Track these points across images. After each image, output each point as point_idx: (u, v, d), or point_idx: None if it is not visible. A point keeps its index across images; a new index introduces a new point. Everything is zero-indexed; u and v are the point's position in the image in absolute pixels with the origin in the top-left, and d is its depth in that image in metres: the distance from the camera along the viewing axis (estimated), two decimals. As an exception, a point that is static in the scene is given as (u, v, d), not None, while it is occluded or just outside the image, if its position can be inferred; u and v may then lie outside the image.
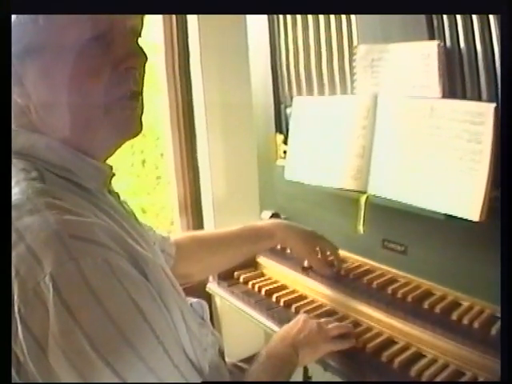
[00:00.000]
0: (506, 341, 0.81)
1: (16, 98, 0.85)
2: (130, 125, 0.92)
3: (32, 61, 0.83)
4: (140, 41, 0.92)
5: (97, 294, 0.71)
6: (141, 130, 0.94)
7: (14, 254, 0.73)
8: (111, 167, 0.99)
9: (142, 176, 3.06)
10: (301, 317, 1.29)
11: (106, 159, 0.97)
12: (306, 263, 1.61)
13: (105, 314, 0.71)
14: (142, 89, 0.92)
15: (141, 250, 0.84)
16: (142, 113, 0.93)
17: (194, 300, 1.07)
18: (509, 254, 0.85)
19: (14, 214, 0.76)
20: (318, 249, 1.58)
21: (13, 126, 0.88)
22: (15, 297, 0.71)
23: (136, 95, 0.91)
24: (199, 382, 0.85)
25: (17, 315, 0.71)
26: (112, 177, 1.00)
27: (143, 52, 0.90)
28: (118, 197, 1.03)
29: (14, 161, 0.85)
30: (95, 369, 0.70)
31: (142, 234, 0.99)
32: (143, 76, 0.92)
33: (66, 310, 0.70)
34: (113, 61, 0.86)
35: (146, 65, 0.92)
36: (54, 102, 0.85)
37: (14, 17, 0.80)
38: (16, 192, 0.80)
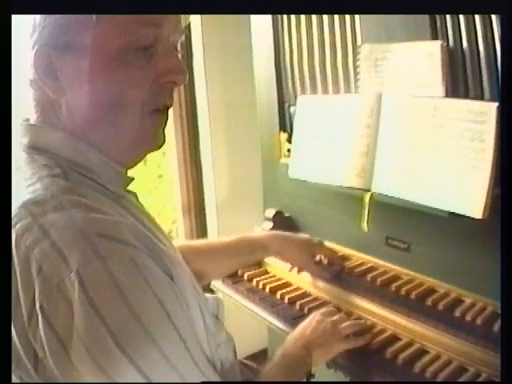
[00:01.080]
0: (505, 340, 0.81)
1: (47, 90, 0.85)
2: (157, 137, 0.93)
3: (73, 57, 0.82)
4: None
5: (123, 292, 0.71)
6: (164, 142, 0.95)
7: (36, 250, 0.73)
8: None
9: (144, 174, 3.06)
10: (315, 316, 1.29)
11: (128, 169, 0.97)
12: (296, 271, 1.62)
13: (130, 312, 0.71)
14: (171, 103, 0.93)
15: (165, 249, 0.84)
16: (166, 125, 0.94)
17: (210, 296, 1.08)
18: (509, 251, 0.86)
19: (37, 209, 0.76)
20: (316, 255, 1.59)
21: (37, 121, 0.88)
22: (37, 293, 0.71)
23: (166, 109, 0.92)
24: (216, 378, 0.85)
25: (38, 311, 0.71)
26: (131, 181, 1.00)
27: (185, 69, 0.90)
28: (136, 196, 1.03)
29: (35, 157, 0.85)
30: (119, 366, 0.71)
31: (163, 232, 1.00)
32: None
33: (91, 307, 0.70)
34: (154, 74, 0.86)
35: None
36: (88, 103, 0.85)
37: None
38: (38, 188, 0.80)
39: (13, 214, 0.78)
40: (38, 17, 0.80)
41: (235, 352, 1.10)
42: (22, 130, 0.88)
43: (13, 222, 0.77)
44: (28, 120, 0.90)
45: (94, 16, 0.79)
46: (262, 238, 1.55)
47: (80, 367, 0.71)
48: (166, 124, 0.94)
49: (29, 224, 0.75)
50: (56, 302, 0.71)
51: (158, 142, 0.94)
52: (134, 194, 1.02)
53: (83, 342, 0.70)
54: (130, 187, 1.01)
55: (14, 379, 0.76)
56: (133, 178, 1.00)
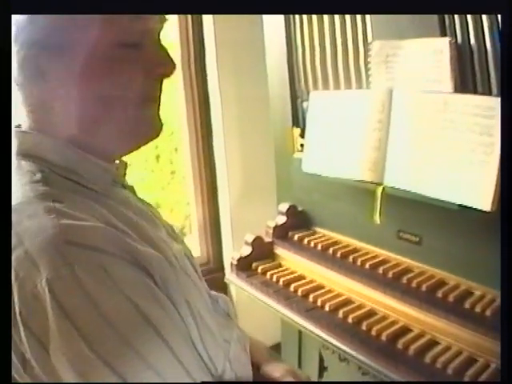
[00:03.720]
0: (505, 339, 0.82)
1: (37, 93, 0.85)
2: (154, 125, 0.92)
3: (60, 58, 0.82)
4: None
5: (92, 298, 0.72)
6: (160, 131, 0.94)
7: (13, 257, 0.74)
8: (125, 163, 1.00)
9: (157, 171, 3.06)
10: None
11: (121, 157, 0.97)
12: None
13: (101, 316, 0.72)
14: (161, 92, 0.93)
15: (142, 249, 0.82)
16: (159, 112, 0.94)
17: (217, 294, 1.08)
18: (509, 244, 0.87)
19: (15, 217, 0.77)
20: None
21: (26, 125, 0.88)
22: (15, 299, 0.72)
23: (157, 99, 0.91)
24: (207, 377, 0.84)
25: (18, 317, 0.72)
26: (125, 169, 1.00)
27: (173, 60, 0.90)
28: (134, 190, 1.02)
29: (22, 162, 0.85)
30: (95, 369, 0.71)
31: (159, 227, 0.98)
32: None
33: (62, 313, 0.70)
34: (144, 67, 0.86)
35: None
36: (80, 102, 0.84)
37: None
38: (19, 196, 0.80)
39: None
40: (21, 19, 0.80)
41: (246, 350, 1.07)
42: (13, 137, 0.88)
43: None
44: (20, 126, 0.90)
45: (76, 16, 0.79)
46: None
47: (60, 370, 0.72)
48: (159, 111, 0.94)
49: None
50: (32, 307, 0.72)
51: (152, 131, 0.93)
52: (132, 188, 1.02)
53: (59, 347, 0.71)
54: (135, 182, 1.01)
55: None
56: (126, 163, 1.00)
